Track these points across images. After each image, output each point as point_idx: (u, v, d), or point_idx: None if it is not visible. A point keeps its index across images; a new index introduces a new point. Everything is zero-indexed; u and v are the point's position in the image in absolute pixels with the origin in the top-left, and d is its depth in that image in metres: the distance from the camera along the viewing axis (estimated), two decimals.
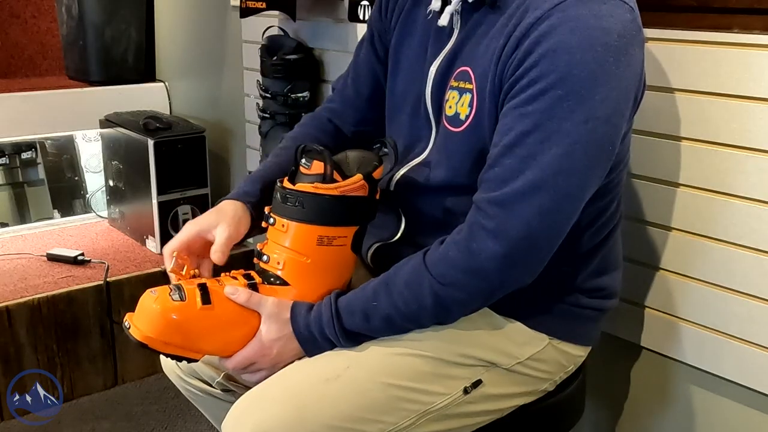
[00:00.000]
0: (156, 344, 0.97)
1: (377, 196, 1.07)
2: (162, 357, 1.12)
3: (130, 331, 0.98)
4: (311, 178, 1.02)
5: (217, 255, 1.07)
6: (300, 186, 1.02)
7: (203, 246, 1.09)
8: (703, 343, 1.27)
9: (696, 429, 1.34)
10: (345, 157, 1.07)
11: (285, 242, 1.03)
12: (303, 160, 1.04)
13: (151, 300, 0.98)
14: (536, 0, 0.93)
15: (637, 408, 1.43)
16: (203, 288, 1.00)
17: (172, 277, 1.07)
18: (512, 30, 0.95)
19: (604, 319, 1.16)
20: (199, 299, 0.98)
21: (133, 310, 1.00)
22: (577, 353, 1.12)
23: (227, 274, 1.06)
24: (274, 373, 1.02)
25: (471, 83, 1.01)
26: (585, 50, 0.89)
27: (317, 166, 1.02)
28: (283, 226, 1.02)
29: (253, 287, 1.03)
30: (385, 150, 1.10)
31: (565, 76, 0.89)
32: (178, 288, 0.99)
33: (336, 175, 1.02)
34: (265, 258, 1.04)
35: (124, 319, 0.99)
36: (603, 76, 0.90)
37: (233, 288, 1.01)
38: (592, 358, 1.18)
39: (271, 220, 1.04)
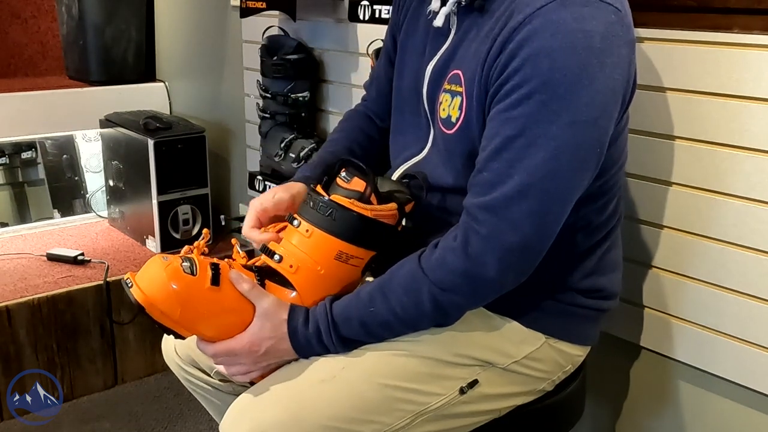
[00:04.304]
0: (154, 311, 0.95)
1: (399, 228, 1.06)
2: (164, 338, 1.14)
3: (131, 290, 0.95)
4: (349, 192, 1.02)
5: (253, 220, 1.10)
6: (336, 198, 1.01)
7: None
8: (701, 342, 1.27)
9: (694, 427, 1.34)
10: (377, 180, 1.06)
11: (304, 247, 1.02)
12: (343, 174, 1.03)
13: (161, 266, 0.95)
14: (520, 4, 0.93)
15: (635, 407, 1.43)
16: (215, 268, 0.98)
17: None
18: (497, 34, 0.95)
19: (603, 319, 1.16)
20: (209, 278, 0.97)
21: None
22: (575, 353, 1.12)
23: (232, 260, 1.05)
24: (254, 369, 1.03)
25: (461, 86, 1.01)
26: (567, 54, 0.89)
27: (357, 183, 1.02)
28: (307, 231, 1.02)
29: (261, 281, 1.02)
30: (417, 181, 1.10)
31: (548, 80, 0.89)
32: (191, 261, 0.97)
33: (373, 198, 1.02)
34: (276, 257, 1.03)
35: (126, 277, 0.96)
36: (587, 79, 0.90)
37: (238, 274, 1.00)
38: (589, 358, 1.18)
39: (296, 222, 1.03)
